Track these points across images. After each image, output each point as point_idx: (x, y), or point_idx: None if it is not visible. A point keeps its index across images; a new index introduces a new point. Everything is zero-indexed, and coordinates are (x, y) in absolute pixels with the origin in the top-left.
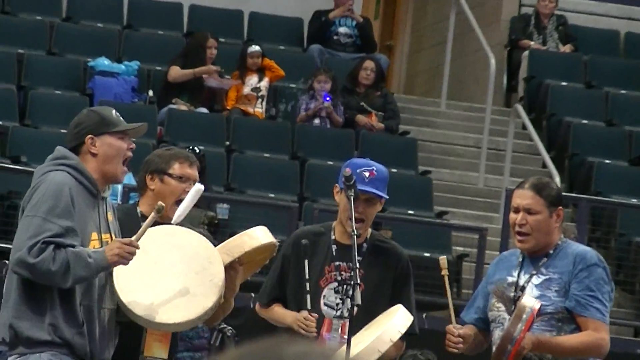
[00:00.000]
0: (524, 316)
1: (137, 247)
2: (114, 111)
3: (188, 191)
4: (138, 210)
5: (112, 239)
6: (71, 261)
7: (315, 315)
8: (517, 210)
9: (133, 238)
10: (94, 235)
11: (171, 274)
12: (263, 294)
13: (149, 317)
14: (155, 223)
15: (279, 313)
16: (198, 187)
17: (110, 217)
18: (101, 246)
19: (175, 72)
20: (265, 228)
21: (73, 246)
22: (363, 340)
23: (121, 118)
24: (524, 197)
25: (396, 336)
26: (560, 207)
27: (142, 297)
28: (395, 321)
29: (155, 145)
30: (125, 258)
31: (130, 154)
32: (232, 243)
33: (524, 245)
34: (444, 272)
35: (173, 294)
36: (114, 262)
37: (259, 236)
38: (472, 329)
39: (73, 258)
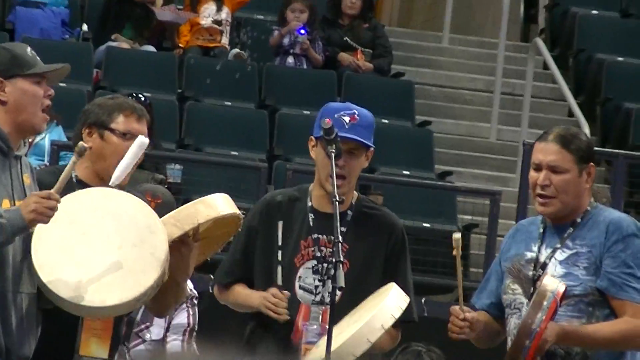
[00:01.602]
0: (545, 303)
1: (58, 201)
2: (28, 49)
3: None
4: (73, 174)
5: None
6: None
7: (287, 293)
8: (538, 168)
9: (52, 190)
10: (5, 203)
11: (103, 246)
12: (221, 272)
13: (76, 299)
14: (89, 186)
15: (242, 294)
16: (141, 141)
17: (28, 180)
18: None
19: None
20: (227, 196)
21: None
22: (348, 328)
23: (37, 58)
24: (547, 151)
25: (389, 321)
26: (592, 164)
27: (67, 276)
28: (388, 303)
29: (91, 93)
30: (44, 214)
31: (48, 101)
32: (184, 212)
33: (546, 209)
34: (456, 252)
35: (105, 271)
36: (32, 220)
37: (218, 205)
38: (485, 316)
39: None
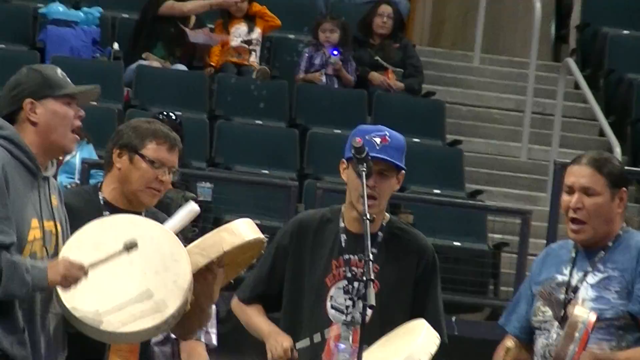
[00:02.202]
0: (577, 335)
1: (86, 275)
2: (59, 70)
3: (161, 180)
4: (100, 196)
5: (56, 228)
6: (5, 273)
7: (296, 355)
8: (571, 191)
9: (86, 264)
10: (35, 223)
11: (126, 273)
12: (244, 287)
13: (98, 325)
14: (116, 208)
15: (255, 320)
16: (191, 208)
17: (55, 201)
18: (43, 235)
19: (176, 6)
20: (250, 221)
21: (7, 247)
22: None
23: (68, 79)
24: (581, 174)
25: None
26: (624, 189)
27: (89, 302)
28: (417, 348)
29: (122, 111)
30: (69, 282)
31: (78, 122)
32: (209, 241)
33: (578, 236)
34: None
35: (128, 298)
36: (57, 283)
37: (242, 232)
38: (515, 343)
39: (8, 269)
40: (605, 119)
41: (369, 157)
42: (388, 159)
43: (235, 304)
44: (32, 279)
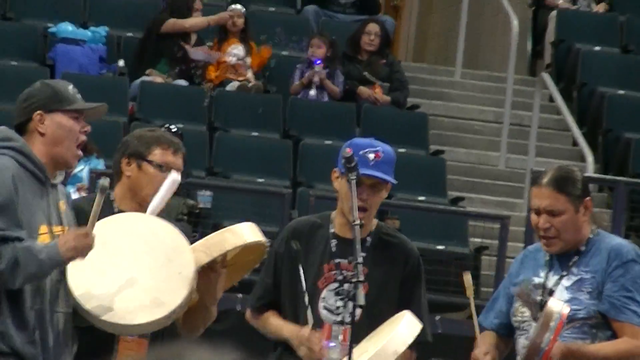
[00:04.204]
0: (552, 324)
1: (93, 240)
2: (70, 86)
3: None
4: (114, 205)
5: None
6: (20, 257)
7: (317, 334)
8: (537, 212)
9: (87, 228)
10: (44, 228)
11: (133, 267)
12: (253, 297)
13: (110, 318)
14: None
15: (274, 325)
16: (173, 178)
17: (63, 206)
18: (53, 240)
19: (177, 24)
20: (253, 225)
21: (20, 240)
22: (365, 352)
23: (78, 95)
24: (543, 196)
25: (402, 348)
26: (588, 198)
27: (101, 296)
28: (401, 330)
29: (127, 124)
30: (82, 252)
31: (83, 137)
32: (212, 240)
33: (551, 248)
34: (469, 292)
35: (137, 291)
36: (70, 257)
37: (244, 234)
38: (493, 337)
39: (22, 254)
40: (578, 130)
41: (359, 168)
42: (380, 176)
43: (249, 315)
44: (46, 256)
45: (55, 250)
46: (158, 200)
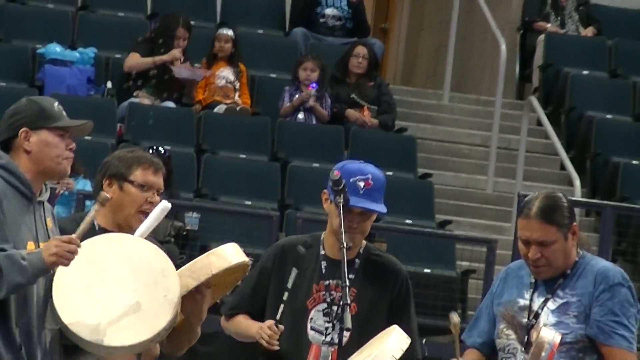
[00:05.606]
0: (543, 354)
1: (78, 245)
2: (56, 103)
3: (150, 201)
4: (95, 223)
5: None
6: (3, 266)
7: (281, 327)
8: (526, 243)
9: (73, 235)
10: (30, 245)
11: (119, 289)
12: (228, 304)
13: (95, 339)
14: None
15: (244, 324)
16: (164, 206)
17: (50, 223)
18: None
19: (133, 60)
20: (236, 245)
21: (3, 250)
22: None
23: (64, 113)
24: (532, 229)
25: None
26: (574, 223)
27: (86, 317)
28: (390, 343)
29: (115, 145)
30: (65, 258)
31: (70, 154)
32: (198, 264)
33: (541, 275)
34: (455, 331)
35: (122, 313)
36: (53, 262)
37: (228, 256)
38: (477, 355)
39: (5, 262)
40: (566, 154)
41: (350, 197)
42: (372, 208)
43: (223, 321)
44: (29, 264)
45: (38, 257)
46: (146, 226)
